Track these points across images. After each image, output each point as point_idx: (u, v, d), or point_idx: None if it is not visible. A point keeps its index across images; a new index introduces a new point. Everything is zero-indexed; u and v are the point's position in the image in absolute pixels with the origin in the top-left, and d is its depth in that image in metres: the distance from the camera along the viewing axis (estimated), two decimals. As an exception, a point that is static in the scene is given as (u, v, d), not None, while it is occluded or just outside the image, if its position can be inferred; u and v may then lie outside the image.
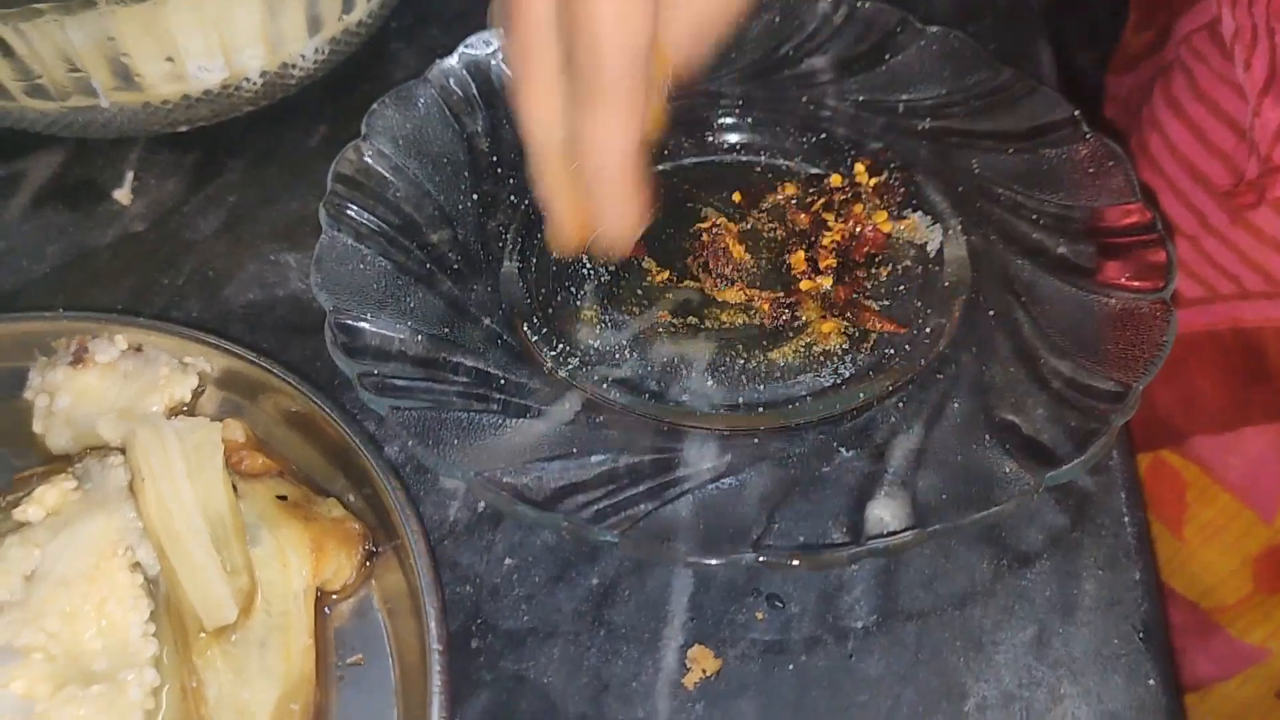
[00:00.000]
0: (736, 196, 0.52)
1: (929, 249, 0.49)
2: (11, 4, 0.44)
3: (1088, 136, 0.50)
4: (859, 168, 0.51)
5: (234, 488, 0.39)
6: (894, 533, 0.37)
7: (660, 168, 0.54)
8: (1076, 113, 0.51)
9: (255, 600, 0.37)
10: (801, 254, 0.48)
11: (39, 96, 0.49)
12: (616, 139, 0.37)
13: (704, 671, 0.38)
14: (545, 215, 0.42)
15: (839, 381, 0.44)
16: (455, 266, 0.48)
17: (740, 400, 0.44)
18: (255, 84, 0.52)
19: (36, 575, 0.36)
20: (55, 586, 0.35)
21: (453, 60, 0.53)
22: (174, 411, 0.43)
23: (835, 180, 0.51)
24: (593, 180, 0.39)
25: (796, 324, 0.47)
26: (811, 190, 0.51)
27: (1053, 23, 0.67)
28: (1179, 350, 0.58)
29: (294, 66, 0.52)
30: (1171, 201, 0.59)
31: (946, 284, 0.47)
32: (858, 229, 0.48)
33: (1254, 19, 0.51)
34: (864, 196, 0.50)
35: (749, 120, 0.55)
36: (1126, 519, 0.42)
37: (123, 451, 0.40)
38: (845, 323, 0.46)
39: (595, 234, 0.41)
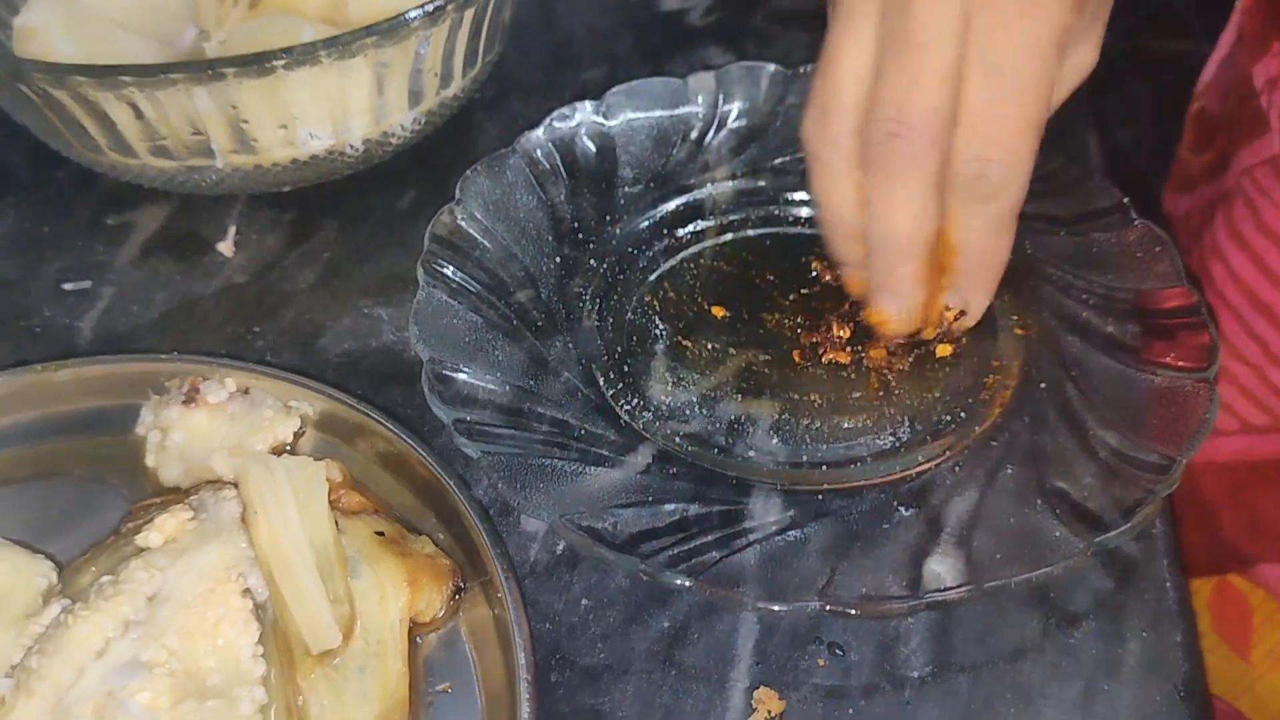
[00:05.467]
0: (815, 264, 0.54)
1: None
2: (148, 73, 0.48)
3: (1135, 222, 0.53)
4: None
5: (335, 523, 0.42)
6: (950, 588, 0.40)
7: (726, 238, 0.57)
8: (1125, 200, 0.54)
9: (355, 628, 0.40)
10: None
11: (161, 155, 0.53)
12: (908, 221, 0.41)
13: (769, 712, 0.41)
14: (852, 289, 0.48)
15: (898, 445, 0.47)
16: (539, 324, 0.51)
17: (804, 459, 0.47)
18: (357, 150, 0.56)
19: (159, 597, 0.39)
20: (175, 607, 0.38)
21: (539, 132, 0.57)
22: (276, 451, 0.46)
23: None
24: (877, 263, 0.43)
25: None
26: None
27: (1095, 102, 0.70)
28: (1246, 476, 0.58)
29: (393, 135, 0.56)
30: (1236, 330, 0.60)
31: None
32: None
33: None
34: None
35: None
36: (1169, 584, 0.44)
37: (235, 485, 0.43)
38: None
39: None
